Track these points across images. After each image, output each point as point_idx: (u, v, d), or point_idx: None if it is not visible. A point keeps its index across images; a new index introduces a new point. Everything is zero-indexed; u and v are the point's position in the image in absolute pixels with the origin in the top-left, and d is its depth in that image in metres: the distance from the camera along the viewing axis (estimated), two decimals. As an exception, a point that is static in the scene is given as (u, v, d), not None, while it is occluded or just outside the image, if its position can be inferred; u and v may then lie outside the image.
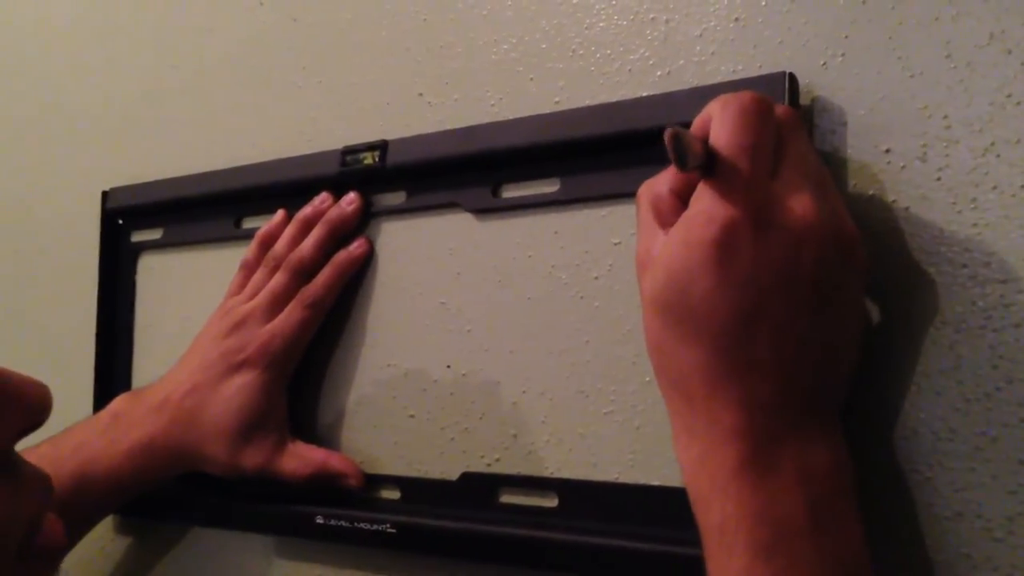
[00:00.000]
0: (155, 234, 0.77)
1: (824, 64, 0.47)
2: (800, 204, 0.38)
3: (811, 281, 0.38)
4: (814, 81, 0.47)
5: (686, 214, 0.40)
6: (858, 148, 0.46)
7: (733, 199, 0.38)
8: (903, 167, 0.45)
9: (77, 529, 0.65)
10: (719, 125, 0.39)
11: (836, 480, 0.38)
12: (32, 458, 0.62)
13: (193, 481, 0.66)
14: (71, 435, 0.64)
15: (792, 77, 0.46)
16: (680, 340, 0.40)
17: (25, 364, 0.87)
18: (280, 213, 0.67)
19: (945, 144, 0.44)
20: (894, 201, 0.44)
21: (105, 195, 0.78)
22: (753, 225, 0.37)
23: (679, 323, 0.39)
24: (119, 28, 0.84)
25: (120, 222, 0.79)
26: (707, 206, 0.38)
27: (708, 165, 0.38)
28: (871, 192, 0.45)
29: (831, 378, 0.40)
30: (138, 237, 0.78)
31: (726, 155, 0.38)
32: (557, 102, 0.56)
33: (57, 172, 0.89)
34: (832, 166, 0.46)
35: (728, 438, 0.38)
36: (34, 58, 0.93)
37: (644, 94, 0.52)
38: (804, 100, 0.47)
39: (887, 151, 0.45)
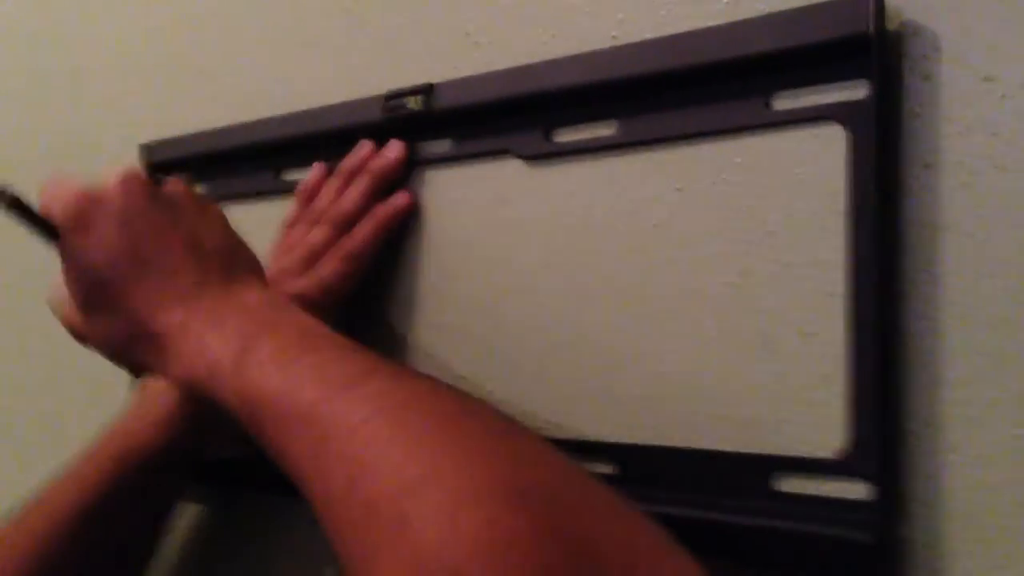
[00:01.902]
0: (197, 189, 0.74)
1: (915, -17, 0.42)
2: (106, 182, 0.51)
3: (140, 212, 0.50)
4: (903, 3, 0.42)
5: None
6: (954, 75, 0.41)
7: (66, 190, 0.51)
8: (1004, 96, 0.40)
9: (153, 514, 0.63)
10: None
11: (266, 311, 0.48)
12: (83, 459, 0.60)
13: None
14: (109, 425, 0.62)
15: (878, -2, 0.41)
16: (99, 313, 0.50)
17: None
18: (317, 166, 0.64)
19: (1056, 69, 0.39)
20: (995, 133, 0.40)
21: (143, 149, 0.76)
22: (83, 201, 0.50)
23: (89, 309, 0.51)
24: (158, -23, 0.82)
25: (159, 177, 0.76)
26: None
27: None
28: (969, 123, 0.40)
29: (218, 253, 0.51)
30: (178, 192, 0.76)
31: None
32: (614, 37, 0.52)
33: (94, 126, 0.87)
34: (926, 95, 0.41)
35: (164, 338, 0.48)
36: (68, 9, 0.91)
37: (710, 24, 0.47)
38: (892, 24, 0.42)
39: (987, 79, 0.40)
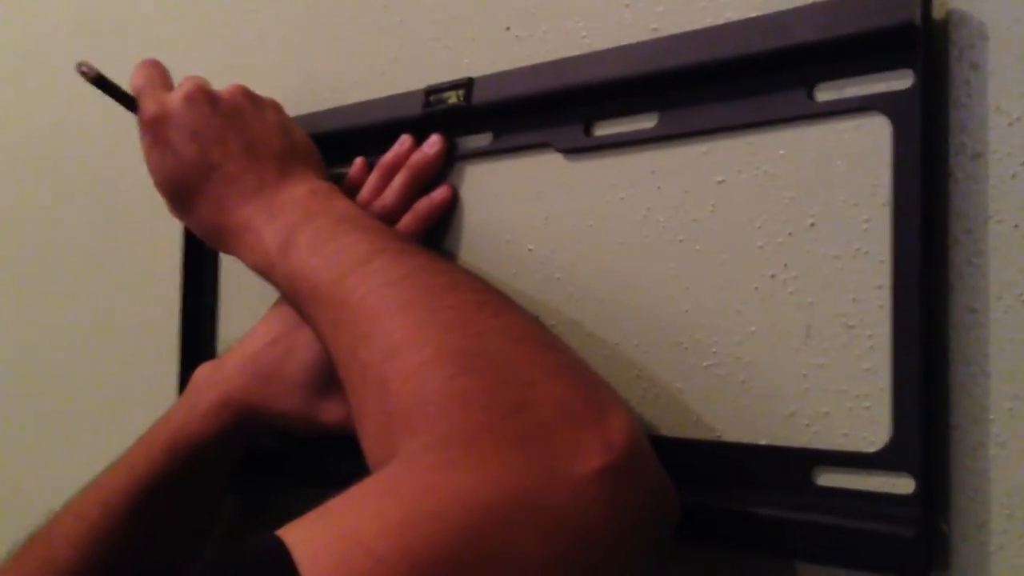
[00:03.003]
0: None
1: (961, -29, 0.42)
2: (174, 99, 0.59)
3: (205, 125, 0.58)
4: (950, -10, 0.42)
5: None
6: (1002, 65, 0.40)
7: (144, 110, 0.60)
8: (1055, 85, 0.39)
9: (202, 503, 0.65)
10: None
11: (311, 201, 0.55)
12: (135, 448, 0.61)
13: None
14: (160, 417, 0.63)
15: (925, -12, 0.41)
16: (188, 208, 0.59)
17: (113, 333, 0.87)
18: (358, 161, 0.64)
19: (1107, 56, 0.38)
20: (1046, 124, 0.39)
21: (187, 146, 0.76)
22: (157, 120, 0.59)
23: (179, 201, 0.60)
24: (201, -24, 0.83)
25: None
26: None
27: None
28: (1018, 114, 0.40)
29: (274, 154, 0.59)
30: (220, 188, 0.76)
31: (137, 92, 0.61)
32: (655, 29, 0.51)
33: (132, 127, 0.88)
34: (973, 85, 0.41)
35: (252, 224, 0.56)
36: (110, 10, 0.93)
37: (752, 15, 0.47)
38: (938, 14, 0.42)
39: (1037, 67, 0.40)
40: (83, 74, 0.60)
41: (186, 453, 0.60)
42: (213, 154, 0.57)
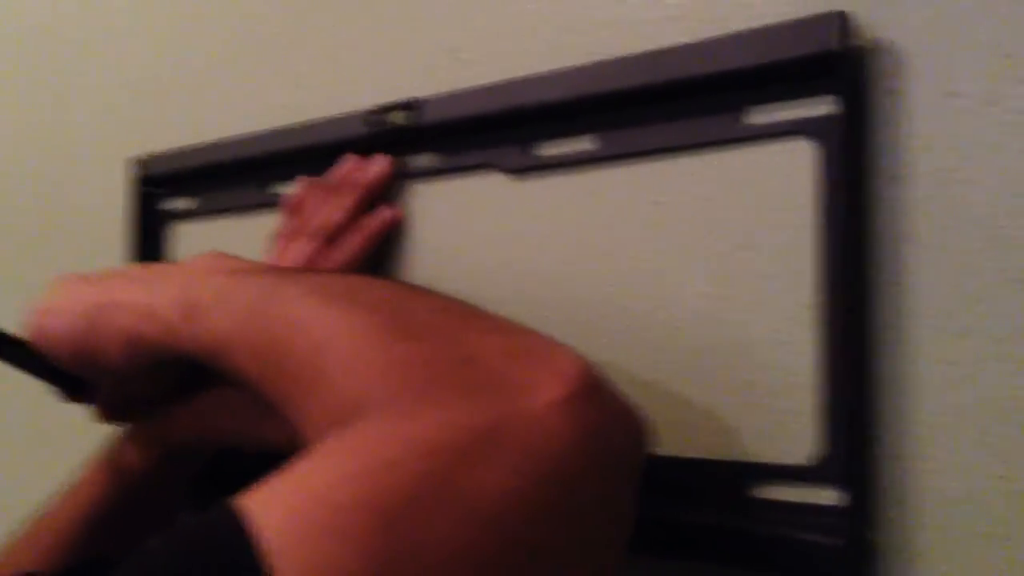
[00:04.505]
0: (186, 203, 0.75)
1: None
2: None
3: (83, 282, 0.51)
4: (871, 20, 0.43)
5: None
6: (920, 91, 0.42)
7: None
8: (965, 111, 0.41)
9: (149, 526, 0.63)
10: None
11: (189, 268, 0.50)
12: (85, 473, 0.61)
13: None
14: (109, 440, 0.62)
15: (843, 16, 0.42)
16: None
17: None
18: (303, 180, 0.65)
19: (1018, 85, 0.40)
20: (955, 147, 0.41)
21: (135, 163, 0.77)
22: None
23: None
24: (150, -6, 0.83)
25: (149, 191, 0.77)
26: None
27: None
28: (935, 139, 0.41)
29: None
30: (168, 206, 0.77)
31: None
32: (595, 54, 0.53)
33: (81, 141, 0.88)
34: (892, 111, 0.43)
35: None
36: (63, 26, 0.92)
37: (686, 41, 0.48)
38: (860, 42, 0.43)
39: (950, 94, 0.41)
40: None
41: (135, 474, 0.60)
42: (107, 280, 0.52)
